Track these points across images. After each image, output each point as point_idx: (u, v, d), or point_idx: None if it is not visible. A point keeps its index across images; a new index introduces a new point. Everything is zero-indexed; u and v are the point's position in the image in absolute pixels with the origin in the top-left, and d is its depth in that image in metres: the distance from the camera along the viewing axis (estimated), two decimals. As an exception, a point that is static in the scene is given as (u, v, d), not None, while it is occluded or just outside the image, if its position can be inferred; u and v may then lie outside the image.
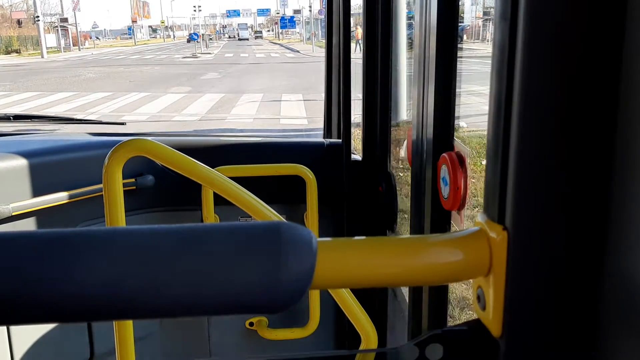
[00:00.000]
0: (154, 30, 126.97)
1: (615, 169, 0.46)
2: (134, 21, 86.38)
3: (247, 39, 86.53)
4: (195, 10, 46.94)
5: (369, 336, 1.47)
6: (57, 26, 53.31)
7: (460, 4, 1.25)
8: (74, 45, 57.40)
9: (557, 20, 0.45)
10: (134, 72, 25.01)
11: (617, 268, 0.46)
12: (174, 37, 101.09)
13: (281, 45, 59.01)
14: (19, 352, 1.84)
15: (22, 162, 1.80)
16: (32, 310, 0.41)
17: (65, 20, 56.39)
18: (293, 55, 38.53)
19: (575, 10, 0.44)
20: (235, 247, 0.43)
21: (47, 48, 50.81)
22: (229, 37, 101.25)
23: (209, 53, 41.94)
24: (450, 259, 0.49)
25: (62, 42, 52.29)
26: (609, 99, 0.45)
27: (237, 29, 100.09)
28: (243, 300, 0.43)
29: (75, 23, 58.36)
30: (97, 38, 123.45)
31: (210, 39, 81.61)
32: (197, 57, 36.54)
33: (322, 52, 2.78)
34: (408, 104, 2.05)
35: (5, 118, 2.39)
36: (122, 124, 2.86)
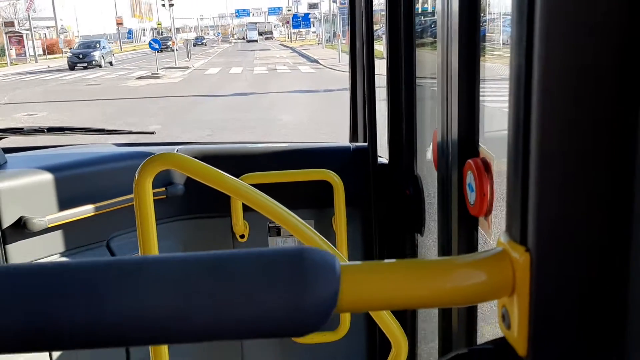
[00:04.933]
0: (159, 33, 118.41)
1: (638, 186, 0.45)
2: (119, 23, 72.57)
3: (256, 41, 77.98)
4: (163, 5, 33.80)
5: (399, 344, 1.45)
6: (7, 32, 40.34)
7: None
8: (48, 54, 45.29)
9: (575, 22, 0.44)
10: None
11: None
12: (175, 40, 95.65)
13: (293, 49, 45.77)
14: (58, 356, 1.88)
15: (57, 175, 1.85)
16: (65, 338, 0.43)
17: (10, 24, 43.59)
18: (311, 70, 25.04)
19: (592, 9, 0.44)
20: (260, 274, 0.44)
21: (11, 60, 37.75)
22: (238, 38, 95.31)
23: (185, 68, 28.50)
24: (473, 281, 0.49)
25: (16, 50, 39.45)
26: (630, 115, 0.44)
27: (245, 30, 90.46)
28: (269, 326, 0.44)
29: (30, 28, 45.51)
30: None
31: (203, 43, 68.28)
32: (157, 78, 23.04)
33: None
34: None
35: (40, 131, 2.45)
36: (152, 133, 2.93)
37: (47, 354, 1.83)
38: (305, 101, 14.65)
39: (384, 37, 1.90)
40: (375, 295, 0.48)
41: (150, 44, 25.25)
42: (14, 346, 0.43)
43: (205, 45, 68.51)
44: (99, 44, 33.96)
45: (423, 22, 2.13)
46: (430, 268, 0.50)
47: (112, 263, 0.45)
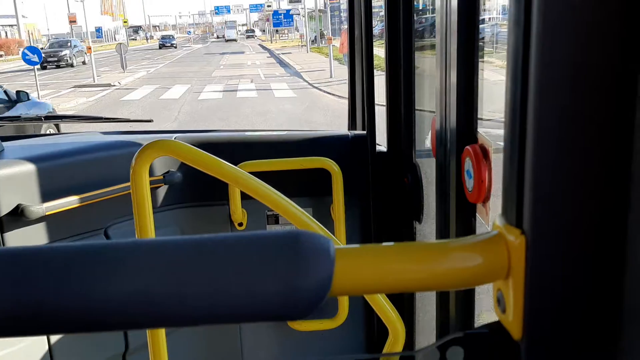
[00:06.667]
0: (135, 31, 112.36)
1: (635, 169, 0.45)
2: (72, 21, 62.21)
3: (235, 40, 73.47)
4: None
5: (396, 330, 1.44)
6: None
7: None
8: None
9: (571, 23, 0.44)
10: None
11: (639, 268, 0.46)
12: (148, 38, 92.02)
13: (271, 53, 37.17)
14: (57, 342, 1.87)
15: (55, 162, 1.84)
16: (60, 321, 0.43)
17: None
18: (290, 91, 16.26)
19: (589, 12, 0.44)
20: (255, 257, 0.45)
21: None
22: (217, 37, 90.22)
23: (106, 86, 19.45)
24: (468, 264, 0.49)
25: None
26: (627, 98, 0.45)
27: (224, 27, 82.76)
28: (263, 309, 0.44)
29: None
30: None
31: (172, 44, 58.42)
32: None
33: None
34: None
35: (37, 119, 2.39)
36: (149, 121, 2.92)
37: (45, 340, 1.83)
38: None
39: (384, 25, 1.90)
40: (369, 278, 0.48)
41: (23, 55, 13.56)
42: (4, 330, 0.43)
43: (175, 47, 58.56)
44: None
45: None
46: (425, 251, 0.50)
47: (106, 246, 0.45)
